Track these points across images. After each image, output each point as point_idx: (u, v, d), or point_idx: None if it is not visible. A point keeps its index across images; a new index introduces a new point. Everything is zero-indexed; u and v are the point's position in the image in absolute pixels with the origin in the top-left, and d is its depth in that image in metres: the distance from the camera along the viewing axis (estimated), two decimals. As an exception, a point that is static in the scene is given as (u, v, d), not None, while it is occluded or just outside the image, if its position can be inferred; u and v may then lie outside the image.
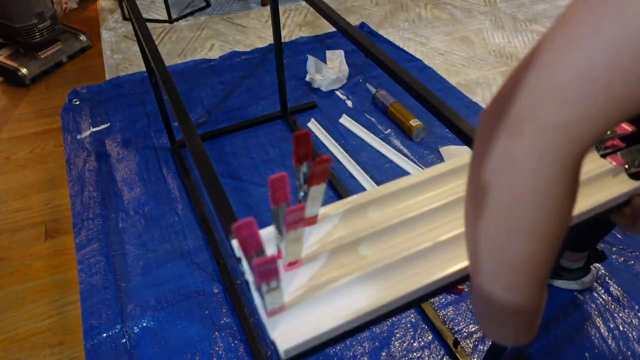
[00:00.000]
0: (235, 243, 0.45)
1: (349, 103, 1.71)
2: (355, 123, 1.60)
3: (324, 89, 1.75)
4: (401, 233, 0.48)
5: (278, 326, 0.40)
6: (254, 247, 0.37)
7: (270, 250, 0.46)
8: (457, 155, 1.37)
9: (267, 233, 0.47)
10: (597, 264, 1.13)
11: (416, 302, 0.45)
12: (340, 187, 1.35)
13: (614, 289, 1.09)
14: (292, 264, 0.44)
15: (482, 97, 1.73)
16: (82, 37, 2.05)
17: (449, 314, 1.06)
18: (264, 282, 0.36)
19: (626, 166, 0.56)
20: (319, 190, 0.43)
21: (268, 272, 0.35)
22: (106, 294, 1.10)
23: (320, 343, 0.41)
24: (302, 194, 0.44)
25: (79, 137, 1.58)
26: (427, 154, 1.48)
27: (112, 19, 2.33)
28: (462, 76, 1.85)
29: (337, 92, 1.76)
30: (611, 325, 1.02)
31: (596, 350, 0.98)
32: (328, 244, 0.46)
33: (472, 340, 1.01)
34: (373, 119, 1.63)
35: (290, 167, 1.44)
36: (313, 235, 0.47)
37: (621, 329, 1.02)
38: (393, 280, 0.44)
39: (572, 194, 0.29)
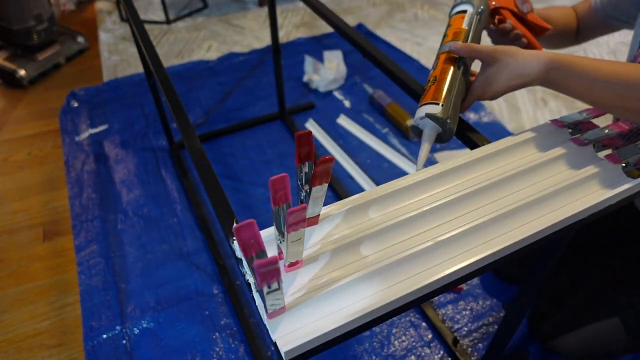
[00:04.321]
0: (235, 244, 0.45)
1: (347, 103, 1.71)
2: (353, 123, 1.60)
3: (321, 89, 1.75)
4: (402, 233, 0.48)
5: (279, 328, 0.40)
6: (254, 248, 0.37)
7: (270, 251, 0.46)
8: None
9: (267, 234, 0.47)
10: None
11: (417, 302, 0.45)
12: (339, 187, 1.36)
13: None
14: (293, 265, 0.44)
15: (480, 97, 1.73)
16: (80, 39, 2.05)
17: (448, 312, 1.06)
18: (265, 284, 0.36)
19: (623, 164, 0.56)
20: (321, 190, 0.43)
21: (269, 273, 0.35)
22: (106, 295, 1.10)
23: (322, 344, 0.41)
24: (303, 194, 0.45)
25: (77, 138, 1.58)
26: (425, 154, 1.48)
27: (109, 20, 2.33)
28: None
29: (335, 93, 1.76)
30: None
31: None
32: (329, 244, 0.46)
33: (471, 339, 1.01)
34: (371, 119, 1.63)
35: (288, 167, 1.44)
36: (314, 236, 0.47)
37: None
38: (394, 280, 0.44)
39: None
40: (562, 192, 0.53)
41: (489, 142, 0.61)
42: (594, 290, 0.90)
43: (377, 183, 1.37)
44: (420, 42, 2.09)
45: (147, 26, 2.21)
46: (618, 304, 0.85)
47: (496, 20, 0.75)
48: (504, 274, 1.08)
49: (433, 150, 1.49)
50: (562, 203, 0.52)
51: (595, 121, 0.64)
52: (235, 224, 0.42)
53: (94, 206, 1.33)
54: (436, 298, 1.09)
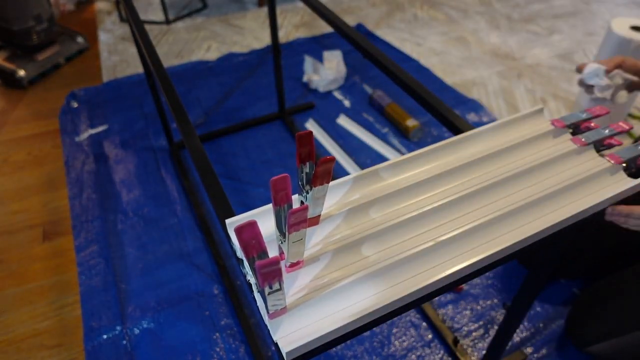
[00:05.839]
0: (236, 244, 0.45)
1: (347, 103, 1.71)
2: (353, 123, 1.60)
3: (321, 89, 1.75)
4: (403, 233, 0.48)
5: (281, 328, 0.40)
6: (256, 249, 0.37)
7: (271, 252, 0.46)
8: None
9: (268, 234, 0.47)
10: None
11: (418, 302, 0.45)
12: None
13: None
14: (294, 265, 0.44)
15: (478, 97, 1.73)
16: (80, 39, 2.05)
17: (448, 312, 1.06)
18: (266, 284, 0.36)
19: (624, 164, 0.56)
20: (322, 190, 0.43)
21: (271, 274, 0.35)
22: (106, 295, 1.10)
23: (324, 344, 0.41)
24: (304, 194, 0.44)
25: (77, 139, 1.57)
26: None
27: (109, 20, 2.32)
28: (458, 76, 1.86)
29: (335, 93, 1.76)
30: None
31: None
32: (330, 244, 0.46)
33: (471, 339, 1.01)
34: (371, 119, 1.63)
35: (288, 167, 1.44)
36: (315, 236, 0.47)
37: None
38: (395, 281, 0.44)
39: None
40: (563, 192, 0.53)
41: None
42: (636, 297, 0.88)
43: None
44: (419, 42, 2.09)
45: (146, 26, 2.21)
46: None
47: None
48: (526, 259, 1.09)
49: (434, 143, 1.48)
50: (563, 203, 0.52)
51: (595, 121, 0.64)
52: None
53: (94, 206, 1.33)
54: (436, 298, 1.09)
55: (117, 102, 1.74)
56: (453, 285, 0.46)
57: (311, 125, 1.61)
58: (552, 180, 0.55)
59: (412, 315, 1.06)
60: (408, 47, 2.04)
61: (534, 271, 0.69)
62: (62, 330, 1.05)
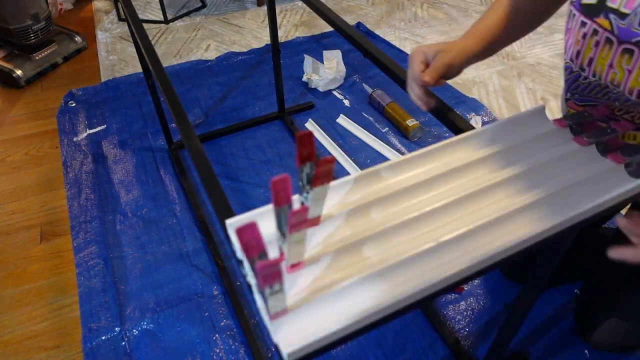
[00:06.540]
0: (236, 245, 0.45)
1: (346, 103, 1.70)
2: (353, 123, 1.60)
3: (321, 89, 1.75)
4: (404, 233, 0.48)
5: (281, 329, 0.40)
6: (256, 250, 0.37)
7: (272, 252, 0.45)
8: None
9: (268, 234, 0.47)
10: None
11: (420, 303, 0.44)
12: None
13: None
14: (294, 266, 0.43)
15: (479, 96, 1.73)
16: (78, 38, 2.04)
17: (449, 313, 1.06)
18: (267, 285, 0.36)
19: (626, 164, 0.56)
20: (322, 191, 0.42)
21: (272, 275, 0.35)
22: (105, 296, 1.09)
23: (324, 345, 0.40)
24: (305, 194, 0.44)
25: (75, 139, 1.57)
26: (425, 154, 1.47)
27: (107, 19, 2.32)
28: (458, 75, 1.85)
29: (335, 92, 1.76)
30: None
31: (596, 348, 0.98)
32: (331, 245, 0.46)
33: (473, 339, 1.01)
34: (371, 119, 1.62)
35: (287, 167, 1.44)
36: (316, 237, 0.47)
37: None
38: (397, 281, 0.43)
39: None
40: (565, 191, 0.53)
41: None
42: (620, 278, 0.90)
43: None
44: (419, 41, 2.08)
45: (145, 25, 2.20)
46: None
47: None
48: (513, 274, 1.09)
49: (434, 143, 1.48)
50: (565, 203, 0.52)
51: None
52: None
53: (92, 207, 1.32)
54: (438, 298, 1.09)
55: (115, 102, 1.73)
56: (454, 286, 0.46)
57: (311, 125, 1.60)
58: (553, 180, 0.54)
59: (414, 316, 1.05)
60: (408, 46, 2.04)
61: (534, 275, 0.69)
62: (60, 332, 1.05)
